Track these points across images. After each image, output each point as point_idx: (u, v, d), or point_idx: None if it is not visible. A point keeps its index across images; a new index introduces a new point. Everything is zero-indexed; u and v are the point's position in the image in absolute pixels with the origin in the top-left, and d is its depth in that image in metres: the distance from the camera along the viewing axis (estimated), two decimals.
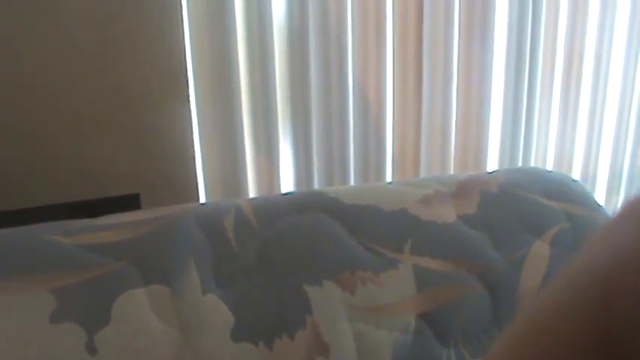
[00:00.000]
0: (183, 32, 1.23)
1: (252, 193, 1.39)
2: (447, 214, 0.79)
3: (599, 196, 1.90)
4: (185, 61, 1.24)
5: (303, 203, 0.79)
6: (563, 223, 0.83)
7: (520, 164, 1.67)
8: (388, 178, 1.45)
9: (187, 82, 1.26)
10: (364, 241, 0.74)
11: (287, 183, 1.42)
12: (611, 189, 1.92)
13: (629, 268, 0.22)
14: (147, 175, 1.24)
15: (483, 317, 0.73)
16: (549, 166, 1.78)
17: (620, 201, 1.96)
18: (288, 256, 0.72)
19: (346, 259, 0.72)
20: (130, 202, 1.21)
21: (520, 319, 0.27)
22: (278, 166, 1.40)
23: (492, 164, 1.65)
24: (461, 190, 0.84)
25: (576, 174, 1.83)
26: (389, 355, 0.67)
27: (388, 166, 1.45)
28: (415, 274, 0.72)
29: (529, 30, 1.62)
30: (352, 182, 1.39)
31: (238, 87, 1.33)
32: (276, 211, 0.77)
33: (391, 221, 0.77)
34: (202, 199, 1.34)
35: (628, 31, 1.80)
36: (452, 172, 1.52)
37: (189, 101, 1.26)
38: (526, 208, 0.84)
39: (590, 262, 0.25)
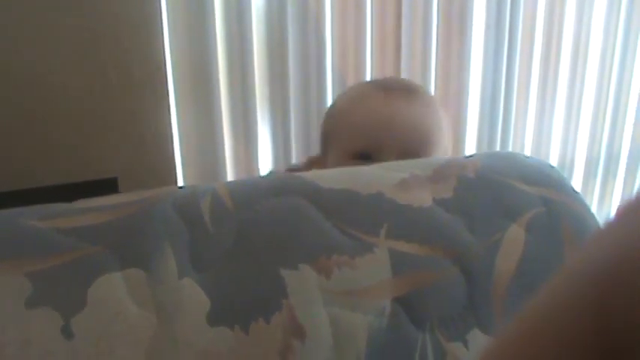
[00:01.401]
0: (162, 19, 1.22)
1: (230, 177, 1.40)
2: (423, 198, 0.80)
3: (576, 182, 1.92)
4: (163, 47, 1.23)
5: (279, 187, 0.79)
6: (539, 208, 0.84)
7: (498, 149, 1.69)
8: None
9: (165, 67, 1.25)
10: (340, 225, 0.74)
11: (265, 168, 1.43)
12: (588, 175, 1.94)
13: (628, 267, 0.22)
14: (125, 159, 1.24)
15: (458, 301, 0.74)
16: (527, 152, 1.79)
17: (596, 186, 1.98)
18: (264, 240, 0.72)
19: (322, 243, 0.72)
20: (107, 186, 1.21)
21: (517, 318, 0.27)
22: (257, 151, 1.40)
23: (470, 149, 1.66)
24: (438, 174, 0.85)
25: (554, 159, 1.85)
26: (364, 338, 0.68)
27: None
28: (391, 258, 0.72)
29: (507, 17, 1.63)
30: None
31: (217, 72, 1.33)
32: (253, 194, 0.77)
33: (367, 205, 0.77)
34: (180, 183, 1.34)
35: (605, 18, 1.81)
36: None
37: (167, 88, 1.25)
38: (502, 193, 0.84)
39: (588, 261, 0.25)
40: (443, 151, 1.15)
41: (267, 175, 0.95)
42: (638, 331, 0.21)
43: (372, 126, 1.09)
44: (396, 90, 1.15)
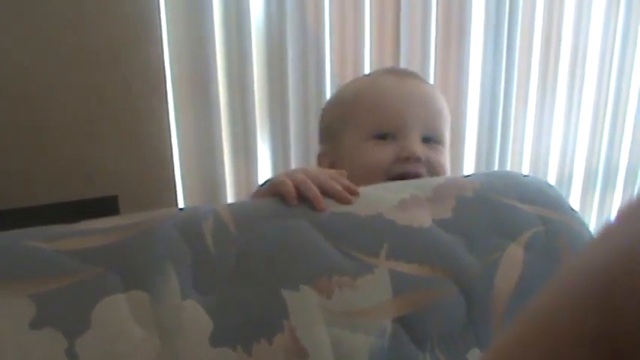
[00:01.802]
0: (161, 36, 1.23)
1: (230, 194, 1.40)
2: (422, 218, 0.81)
3: (575, 194, 1.93)
4: (163, 65, 1.24)
5: (280, 209, 0.80)
6: (538, 227, 0.84)
7: (497, 166, 1.69)
8: None
9: (166, 85, 1.26)
10: (340, 246, 0.75)
11: None
12: (587, 186, 1.95)
13: (630, 268, 0.22)
14: (125, 176, 1.25)
15: (458, 320, 0.74)
16: (526, 164, 1.80)
17: (595, 200, 1.99)
18: (265, 262, 0.72)
19: (323, 265, 0.72)
20: (108, 204, 1.21)
21: (519, 320, 0.28)
22: (256, 168, 1.41)
23: (469, 166, 1.67)
24: (437, 194, 0.86)
25: (552, 172, 1.86)
26: (366, 358, 0.68)
27: None
28: (391, 278, 0.73)
29: (505, 31, 1.64)
30: None
31: (216, 89, 1.34)
32: (255, 216, 0.78)
33: (367, 226, 0.78)
34: (181, 201, 1.34)
35: (603, 30, 1.82)
36: None
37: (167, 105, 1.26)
38: (501, 212, 0.85)
39: (590, 263, 0.26)
40: (449, 135, 1.17)
41: (264, 183, 0.95)
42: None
43: (394, 104, 1.10)
44: (404, 73, 1.19)
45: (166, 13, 1.27)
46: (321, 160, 1.20)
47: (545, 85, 1.78)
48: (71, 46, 1.17)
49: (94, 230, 0.74)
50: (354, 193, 0.83)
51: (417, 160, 1.06)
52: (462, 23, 1.60)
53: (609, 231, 0.26)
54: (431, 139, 1.10)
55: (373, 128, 1.09)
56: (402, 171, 1.06)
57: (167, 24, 1.28)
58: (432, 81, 1.58)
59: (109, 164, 1.23)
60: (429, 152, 1.08)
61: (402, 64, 1.53)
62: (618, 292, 0.22)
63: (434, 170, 1.08)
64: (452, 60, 1.62)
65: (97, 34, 1.18)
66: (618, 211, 0.27)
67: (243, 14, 1.34)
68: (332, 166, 1.14)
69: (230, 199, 1.41)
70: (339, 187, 0.82)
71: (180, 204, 1.34)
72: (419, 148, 1.06)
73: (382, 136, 1.08)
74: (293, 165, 1.45)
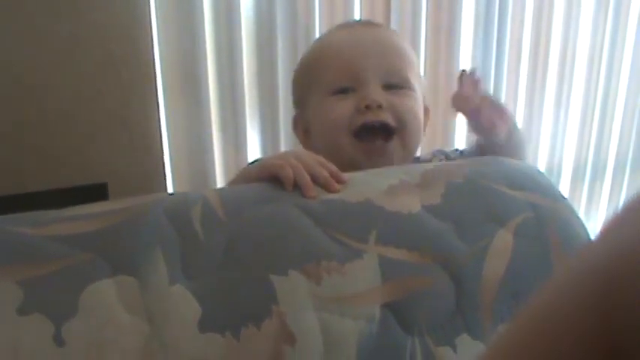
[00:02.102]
0: (151, 25, 1.23)
1: (220, 182, 1.40)
2: (412, 204, 0.80)
3: (564, 186, 1.94)
4: (153, 53, 1.24)
5: (270, 195, 0.80)
6: (527, 213, 0.84)
7: None
8: None
9: (155, 72, 1.26)
10: (330, 231, 0.75)
11: None
12: (576, 179, 1.96)
13: (630, 267, 0.22)
14: (114, 164, 1.24)
15: (447, 306, 0.74)
16: None
17: (584, 192, 2.00)
18: (254, 247, 0.72)
19: (312, 250, 0.72)
20: (97, 191, 1.21)
21: (520, 317, 0.28)
22: (246, 156, 1.41)
23: None
24: (426, 180, 0.85)
25: (542, 165, 1.87)
26: (354, 343, 0.68)
27: None
28: (380, 264, 0.73)
29: (495, 25, 1.65)
30: None
31: (206, 78, 1.33)
32: (244, 202, 0.78)
33: (356, 212, 0.78)
34: (170, 188, 1.34)
35: (592, 27, 1.83)
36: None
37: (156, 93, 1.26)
38: (490, 198, 0.85)
39: (590, 262, 0.26)
40: (419, 79, 1.14)
41: (253, 162, 0.95)
42: None
43: (348, 56, 1.07)
44: (358, 23, 1.17)
45: (156, 0, 1.27)
46: (296, 124, 1.20)
47: (534, 79, 1.79)
48: (61, 35, 1.16)
49: (82, 216, 0.73)
50: (341, 181, 0.83)
51: (378, 107, 1.04)
52: (451, 18, 1.60)
53: (609, 230, 0.26)
54: (394, 85, 1.07)
55: (332, 84, 1.07)
56: (363, 121, 1.04)
57: (156, 12, 1.28)
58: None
59: (99, 152, 1.23)
60: (392, 98, 1.06)
61: None
62: (618, 291, 0.22)
63: (400, 115, 1.06)
64: (442, 55, 1.63)
65: (87, 22, 1.18)
66: (618, 210, 0.27)
67: (233, 2, 1.33)
68: (306, 130, 1.15)
69: (220, 186, 1.40)
70: (326, 174, 0.82)
71: (170, 192, 1.33)
72: (379, 96, 1.04)
73: (343, 91, 1.06)
74: (282, 149, 1.45)
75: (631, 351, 0.21)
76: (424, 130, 1.15)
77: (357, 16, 1.49)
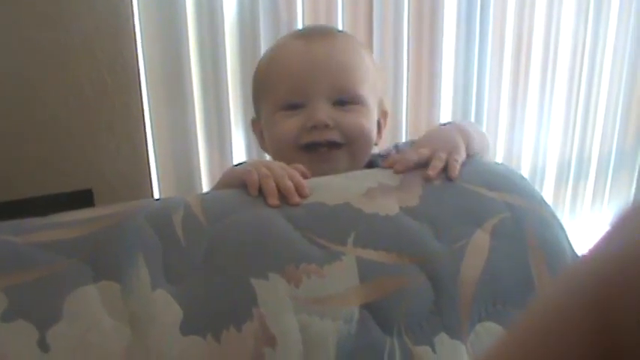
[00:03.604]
0: (134, 32, 1.24)
1: (205, 185, 1.41)
2: (389, 206, 0.82)
3: (549, 186, 1.95)
4: (137, 59, 1.25)
5: (250, 200, 0.81)
6: (504, 213, 0.86)
7: None
8: None
9: (139, 78, 1.26)
10: (309, 234, 0.76)
11: None
12: (560, 178, 1.97)
13: (629, 268, 0.23)
14: (99, 170, 1.25)
15: (425, 306, 0.75)
16: (499, 157, 1.81)
17: (568, 192, 2.01)
18: (235, 251, 0.73)
19: (291, 253, 0.74)
20: (82, 198, 1.21)
21: (519, 319, 0.28)
22: (231, 159, 1.42)
23: None
24: (404, 182, 0.87)
25: (526, 164, 1.88)
26: (333, 344, 0.69)
27: None
28: (358, 265, 0.74)
29: (477, 24, 1.66)
30: None
31: (190, 81, 1.34)
32: (225, 207, 0.79)
33: (335, 215, 0.79)
34: (156, 193, 1.35)
35: (574, 27, 1.84)
36: None
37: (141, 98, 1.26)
38: (468, 199, 0.87)
39: (591, 265, 0.26)
40: (374, 88, 1.12)
41: (239, 164, 0.96)
42: (639, 331, 0.21)
43: (297, 73, 1.07)
44: (313, 34, 1.13)
45: (139, 6, 1.28)
46: (254, 126, 1.21)
47: (517, 79, 1.80)
48: (46, 42, 1.17)
49: (65, 223, 0.74)
50: (302, 195, 0.83)
51: (324, 127, 1.03)
52: (434, 16, 1.61)
53: (608, 236, 0.27)
54: (344, 102, 1.06)
55: (281, 99, 1.07)
56: (310, 140, 1.04)
57: (140, 17, 1.29)
58: (404, 76, 1.60)
59: (84, 157, 1.23)
60: (339, 115, 1.05)
61: (375, 58, 1.54)
62: (618, 292, 0.23)
63: (348, 133, 1.05)
64: (424, 55, 1.64)
65: (72, 29, 1.18)
66: (618, 214, 0.27)
67: (216, 3, 1.34)
68: (262, 133, 1.16)
69: (205, 190, 1.41)
70: (290, 185, 0.83)
71: (156, 197, 1.34)
72: (324, 115, 1.03)
73: (292, 107, 1.06)
74: (267, 155, 1.47)
75: (631, 352, 0.22)
76: (381, 135, 1.15)
77: (339, 13, 1.49)
